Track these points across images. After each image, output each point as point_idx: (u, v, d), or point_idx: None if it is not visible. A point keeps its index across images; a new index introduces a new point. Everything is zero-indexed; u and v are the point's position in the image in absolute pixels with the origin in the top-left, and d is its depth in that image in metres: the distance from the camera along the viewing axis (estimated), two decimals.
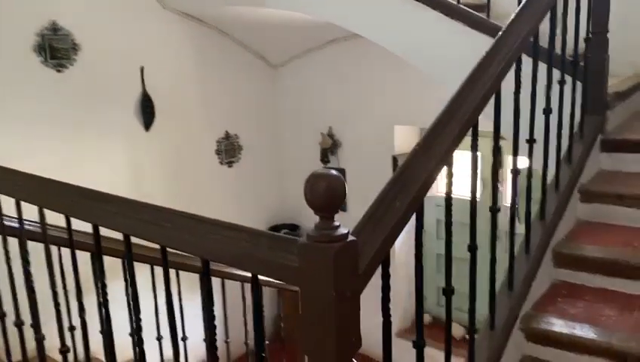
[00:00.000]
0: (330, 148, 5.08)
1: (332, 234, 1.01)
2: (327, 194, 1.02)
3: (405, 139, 4.83)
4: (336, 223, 1.04)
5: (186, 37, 4.51)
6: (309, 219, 4.96)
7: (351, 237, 1.04)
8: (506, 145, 4.57)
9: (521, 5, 1.86)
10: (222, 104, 4.88)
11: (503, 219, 4.59)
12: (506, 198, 4.64)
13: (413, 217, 1.29)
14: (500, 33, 1.75)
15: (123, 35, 4.06)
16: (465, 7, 2.81)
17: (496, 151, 1.83)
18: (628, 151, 2.43)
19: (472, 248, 1.79)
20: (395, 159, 4.70)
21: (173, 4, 4.28)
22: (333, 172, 1.06)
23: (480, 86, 1.61)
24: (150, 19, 4.23)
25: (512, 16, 1.82)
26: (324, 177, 1.03)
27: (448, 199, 1.61)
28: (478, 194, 4.64)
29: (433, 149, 1.47)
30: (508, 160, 4.54)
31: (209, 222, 1.24)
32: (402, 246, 4.78)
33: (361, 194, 4.93)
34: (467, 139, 4.49)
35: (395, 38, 3.13)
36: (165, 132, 4.41)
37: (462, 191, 5.06)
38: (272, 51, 5.15)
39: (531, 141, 2.04)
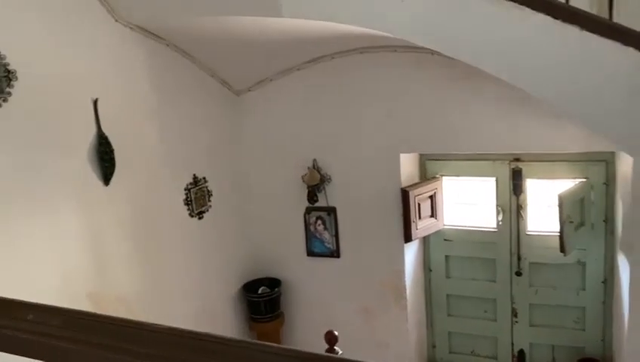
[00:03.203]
0: (318, 185, 4.28)
1: None
2: None
3: (406, 169, 4.20)
4: None
5: (142, 58, 3.49)
6: (289, 270, 3.90)
7: None
8: (525, 167, 4.19)
9: None
10: (186, 141, 3.89)
11: (527, 250, 4.17)
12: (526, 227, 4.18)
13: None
14: None
15: (69, 58, 2.98)
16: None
17: None
18: None
19: None
20: (404, 192, 4.04)
21: (129, 15, 3.26)
22: None
23: None
24: (100, 35, 3.18)
25: None
26: None
27: None
28: (493, 222, 4.15)
29: None
30: (527, 184, 4.17)
31: None
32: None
33: (356, 237, 4.27)
34: (478, 164, 3.98)
35: (482, 49, 2.50)
36: (128, 184, 3.33)
37: (473, 221, 4.63)
38: (236, 75, 4.26)
39: None
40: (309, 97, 4.24)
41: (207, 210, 4.07)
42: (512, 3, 2.41)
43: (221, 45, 3.80)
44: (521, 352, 4.36)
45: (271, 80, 4.32)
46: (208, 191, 4.08)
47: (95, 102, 3.10)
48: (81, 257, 3.04)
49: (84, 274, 3.06)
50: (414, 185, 4.13)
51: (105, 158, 3.15)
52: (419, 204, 4.10)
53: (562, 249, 3.76)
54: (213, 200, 4.12)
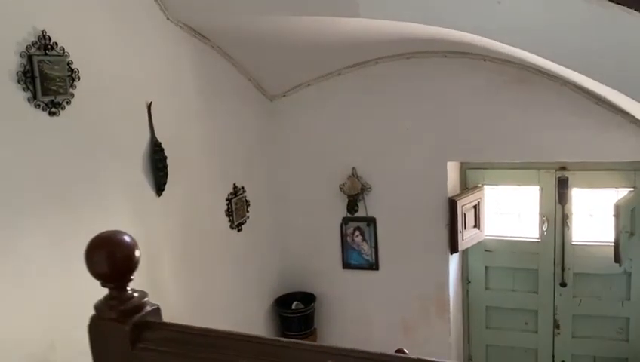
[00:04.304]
0: (358, 195, 4.11)
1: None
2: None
3: (449, 178, 4.07)
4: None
5: (189, 59, 3.25)
6: (324, 283, 3.65)
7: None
8: (572, 176, 4.12)
9: None
10: (226, 148, 3.66)
11: (571, 260, 4.10)
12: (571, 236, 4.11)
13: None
14: None
15: (124, 57, 2.72)
16: None
17: None
18: None
19: None
20: (452, 202, 3.91)
21: (180, 12, 3.02)
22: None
23: None
24: (152, 33, 2.93)
25: None
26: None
27: None
28: (536, 232, 4.07)
29: None
30: (573, 193, 4.10)
31: None
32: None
33: (396, 248, 4.12)
34: (522, 172, 3.90)
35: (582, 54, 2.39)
36: (178, 195, 3.09)
37: (514, 231, 4.53)
38: (273, 79, 4.05)
39: None
40: (349, 103, 4.07)
41: (246, 222, 3.84)
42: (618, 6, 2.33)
43: (262, 47, 3.59)
44: None
45: (308, 85, 4.14)
46: (247, 201, 3.85)
47: (149, 106, 2.85)
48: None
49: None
50: (460, 195, 4.01)
51: (159, 167, 2.90)
52: (464, 214, 3.98)
53: (617, 259, 3.70)
54: (251, 210, 3.89)
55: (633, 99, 2.43)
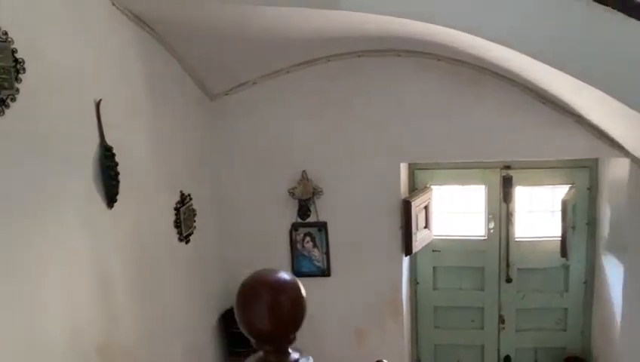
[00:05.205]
0: (310, 198, 3.92)
1: None
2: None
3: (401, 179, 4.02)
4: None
5: (137, 52, 2.88)
6: None
7: None
8: (515, 174, 4.22)
9: None
10: (172, 152, 3.31)
11: (515, 256, 4.22)
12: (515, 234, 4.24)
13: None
14: None
15: (71, 45, 2.32)
16: None
17: None
18: None
19: None
20: (407, 203, 3.85)
21: None
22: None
23: None
24: (98, 20, 2.54)
25: None
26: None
27: None
28: (482, 231, 4.16)
29: None
30: (516, 191, 4.21)
31: None
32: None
33: (349, 253, 3.99)
34: (468, 172, 3.98)
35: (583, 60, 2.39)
36: (131, 206, 2.71)
37: (461, 230, 4.54)
38: (216, 77, 3.74)
39: None
40: (298, 103, 3.87)
41: (193, 232, 3.50)
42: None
43: (208, 41, 3.29)
44: (507, 358, 4.40)
45: (254, 83, 3.87)
46: (193, 210, 3.51)
47: (98, 105, 2.45)
48: (88, 302, 2.37)
49: (93, 323, 2.40)
50: (413, 196, 3.96)
51: (111, 175, 2.51)
52: (417, 216, 3.94)
53: (564, 254, 3.85)
54: (198, 220, 3.56)
55: (617, 99, 2.46)
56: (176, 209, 3.29)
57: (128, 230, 2.71)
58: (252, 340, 0.77)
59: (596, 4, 2.32)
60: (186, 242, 3.41)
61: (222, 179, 3.94)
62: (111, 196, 2.52)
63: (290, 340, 0.77)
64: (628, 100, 2.45)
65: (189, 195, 3.45)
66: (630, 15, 2.34)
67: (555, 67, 2.52)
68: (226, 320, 3.97)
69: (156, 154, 3.07)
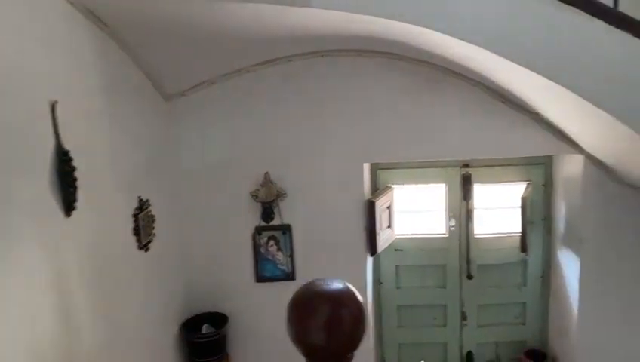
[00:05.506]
0: (274, 201, 3.82)
1: None
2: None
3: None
4: None
5: (91, 48, 2.70)
6: (236, 300, 3.58)
7: None
8: (474, 172, 4.27)
9: None
10: (130, 156, 3.14)
11: (476, 253, 4.28)
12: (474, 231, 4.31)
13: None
14: None
15: (21, 44, 2.13)
16: None
17: None
18: None
19: None
20: (371, 203, 3.83)
21: None
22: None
23: None
24: (50, 17, 2.35)
25: None
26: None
27: None
28: (443, 229, 4.21)
29: None
30: (475, 189, 4.26)
31: None
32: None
33: (314, 255, 3.94)
34: (429, 171, 4.03)
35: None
36: (90, 214, 2.53)
37: (423, 228, 4.54)
38: (173, 76, 3.58)
39: None
40: (259, 103, 3.77)
41: (152, 240, 3.33)
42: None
43: (165, 37, 3.14)
44: (469, 354, 4.46)
45: (212, 83, 3.74)
46: (152, 216, 3.35)
47: (53, 107, 2.27)
48: (49, 319, 2.19)
49: (53, 339, 2.22)
50: (376, 196, 3.95)
51: (68, 181, 2.33)
52: (381, 216, 3.93)
53: (524, 249, 3.94)
54: (157, 226, 3.39)
55: (581, 96, 2.51)
56: (135, 216, 3.12)
57: (88, 240, 2.53)
58: (305, 358, 0.69)
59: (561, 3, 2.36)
60: (146, 250, 3.24)
61: (181, 182, 3.79)
62: (69, 204, 2.34)
63: (348, 359, 0.69)
64: (592, 98, 2.50)
65: (147, 201, 3.28)
66: (594, 15, 2.40)
67: (519, 64, 2.54)
68: (188, 329, 3.83)
69: (114, 157, 2.90)
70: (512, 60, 2.52)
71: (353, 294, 0.72)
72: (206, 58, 3.49)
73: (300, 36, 3.34)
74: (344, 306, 0.73)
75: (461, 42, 2.54)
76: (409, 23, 2.52)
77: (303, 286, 0.74)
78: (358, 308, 0.72)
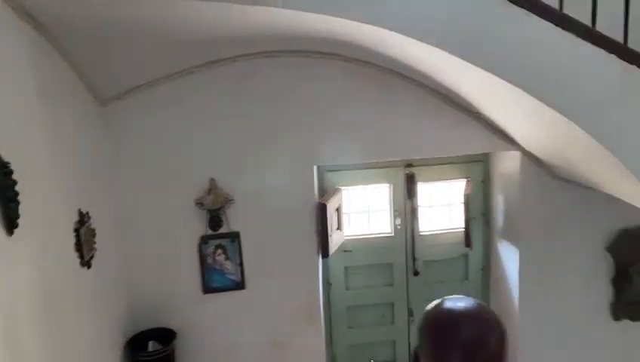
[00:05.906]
0: (222, 208, 3.68)
1: None
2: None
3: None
4: None
5: (27, 52, 2.46)
6: (183, 313, 3.77)
7: None
8: (417, 171, 4.34)
9: None
10: (67, 166, 2.90)
11: (421, 250, 4.38)
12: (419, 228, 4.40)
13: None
14: None
15: None
16: None
17: None
18: None
19: None
20: (322, 206, 3.79)
21: None
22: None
23: None
24: None
25: None
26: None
27: None
28: (389, 228, 4.29)
29: None
30: (419, 187, 4.34)
31: None
32: None
33: (264, 262, 3.85)
34: (374, 172, 4.10)
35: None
36: (34, 231, 2.30)
37: (369, 228, 4.53)
38: (108, 78, 3.35)
39: None
40: (202, 106, 3.62)
41: (94, 255, 3.10)
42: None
43: (100, 38, 2.93)
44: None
45: (151, 86, 3.54)
46: (93, 230, 3.11)
47: None
48: None
49: None
50: (326, 198, 3.91)
51: (9, 196, 2.10)
52: (331, 218, 3.91)
53: (468, 244, 4.07)
54: (98, 241, 3.16)
55: (527, 92, 2.56)
56: (76, 230, 2.88)
57: (32, 258, 2.29)
58: None
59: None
60: (88, 267, 3.00)
61: (121, 192, 3.56)
62: (10, 221, 2.11)
63: None
64: (534, 92, 2.57)
65: (87, 213, 3.04)
66: (530, 10, 2.48)
67: (464, 59, 2.56)
68: (133, 346, 3.60)
69: (52, 168, 2.65)
70: (461, 58, 2.56)
71: (497, 316, 0.67)
72: (142, 60, 3.29)
73: (243, 36, 3.23)
74: (491, 330, 0.68)
75: (413, 41, 2.54)
76: (368, 23, 2.50)
77: (438, 305, 0.68)
78: (502, 332, 0.67)
